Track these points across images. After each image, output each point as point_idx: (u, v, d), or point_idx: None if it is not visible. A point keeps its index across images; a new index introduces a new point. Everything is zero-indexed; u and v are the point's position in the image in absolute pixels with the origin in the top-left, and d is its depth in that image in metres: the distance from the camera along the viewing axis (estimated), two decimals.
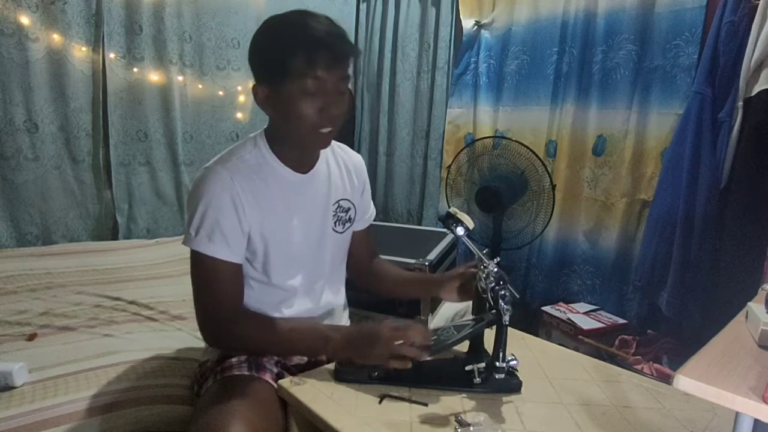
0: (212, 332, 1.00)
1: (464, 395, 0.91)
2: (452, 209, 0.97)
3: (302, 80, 0.90)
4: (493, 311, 0.91)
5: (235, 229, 0.96)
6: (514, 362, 0.92)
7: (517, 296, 0.91)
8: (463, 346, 0.99)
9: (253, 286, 1.05)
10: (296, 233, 1.04)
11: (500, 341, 0.89)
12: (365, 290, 1.29)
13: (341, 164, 1.15)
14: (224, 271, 0.97)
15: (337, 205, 1.11)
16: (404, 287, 1.29)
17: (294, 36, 0.90)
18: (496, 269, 0.94)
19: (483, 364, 0.92)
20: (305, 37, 0.90)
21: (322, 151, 1.09)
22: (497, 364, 0.89)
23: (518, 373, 0.95)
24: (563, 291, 2.38)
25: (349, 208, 1.14)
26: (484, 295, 0.95)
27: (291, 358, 1.08)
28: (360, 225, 1.21)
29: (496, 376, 0.90)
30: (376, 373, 0.93)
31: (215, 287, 0.97)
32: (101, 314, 1.59)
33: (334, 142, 1.10)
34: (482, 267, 0.97)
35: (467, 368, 0.92)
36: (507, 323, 0.89)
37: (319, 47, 0.89)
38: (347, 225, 1.15)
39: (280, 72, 0.91)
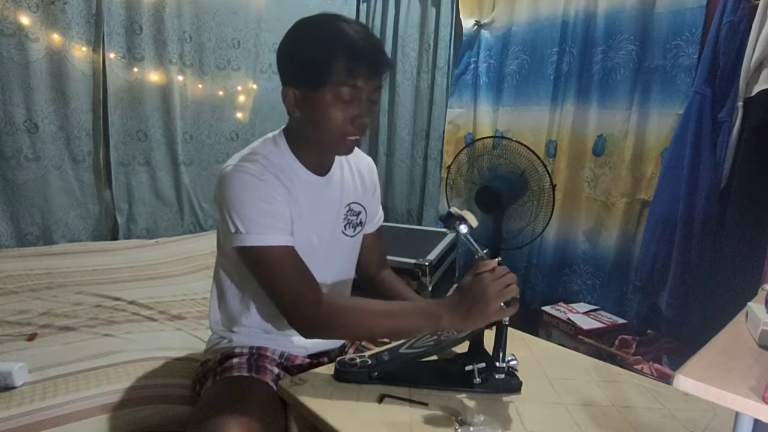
0: (307, 323, 0.94)
1: (464, 395, 0.91)
2: (453, 209, 0.96)
3: (340, 87, 0.90)
4: None
5: (281, 212, 0.94)
6: (514, 362, 0.92)
7: (518, 296, 0.91)
8: (463, 346, 0.99)
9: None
10: (311, 235, 1.03)
11: (500, 341, 0.89)
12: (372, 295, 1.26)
13: (353, 167, 1.15)
14: (291, 258, 0.94)
15: (348, 208, 1.11)
16: None
17: (337, 42, 0.89)
18: None
19: (483, 364, 0.91)
20: (349, 44, 0.89)
21: (337, 155, 1.09)
22: (497, 364, 0.89)
23: (518, 373, 0.95)
24: (563, 291, 2.38)
25: (359, 212, 1.14)
26: None
27: (293, 359, 1.08)
28: (369, 228, 1.20)
29: (496, 376, 0.90)
30: (376, 374, 0.93)
31: (288, 277, 0.93)
32: (101, 314, 1.60)
33: None
34: None
35: (467, 368, 0.92)
36: (507, 323, 0.89)
37: (361, 57, 0.89)
38: (358, 228, 1.14)
39: (318, 77, 0.90)
